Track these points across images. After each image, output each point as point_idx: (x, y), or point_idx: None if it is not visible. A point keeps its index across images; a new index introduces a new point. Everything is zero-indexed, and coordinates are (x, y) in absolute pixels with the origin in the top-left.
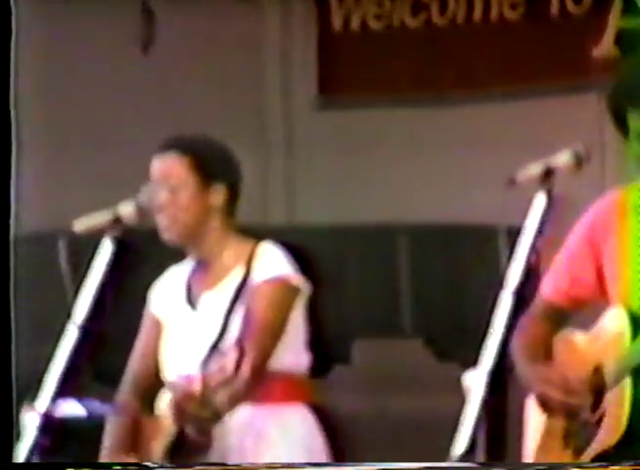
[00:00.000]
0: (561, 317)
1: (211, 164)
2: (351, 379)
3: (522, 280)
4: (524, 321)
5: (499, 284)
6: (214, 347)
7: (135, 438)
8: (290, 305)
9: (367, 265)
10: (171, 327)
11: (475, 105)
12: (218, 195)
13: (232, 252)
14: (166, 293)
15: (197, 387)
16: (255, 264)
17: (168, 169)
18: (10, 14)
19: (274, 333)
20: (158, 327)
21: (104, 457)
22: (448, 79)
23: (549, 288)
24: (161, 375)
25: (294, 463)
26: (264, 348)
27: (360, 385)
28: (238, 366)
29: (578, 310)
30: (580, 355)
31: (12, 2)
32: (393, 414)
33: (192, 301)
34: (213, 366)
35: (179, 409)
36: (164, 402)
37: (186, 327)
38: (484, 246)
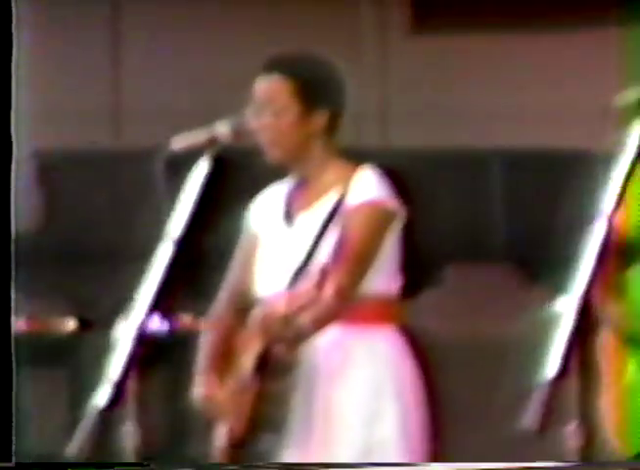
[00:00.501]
0: (634, 253)
1: (316, 89)
2: (443, 303)
3: (615, 207)
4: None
5: (593, 210)
6: (303, 267)
7: (228, 353)
8: (384, 228)
9: (460, 190)
10: (267, 243)
11: (570, 31)
12: (321, 120)
13: (331, 174)
14: (265, 209)
15: (281, 306)
16: (352, 187)
17: (272, 93)
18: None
19: (366, 256)
20: (254, 241)
21: (196, 373)
22: (537, 6)
23: (620, 224)
24: (256, 289)
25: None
26: (354, 271)
27: (451, 309)
28: (322, 289)
29: None
30: None
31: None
32: (483, 338)
33: (289, 219)
34: (300, 287)
35: (264, 327)
36: (253, 318)
37: (280, 245)
38: (579, 172)
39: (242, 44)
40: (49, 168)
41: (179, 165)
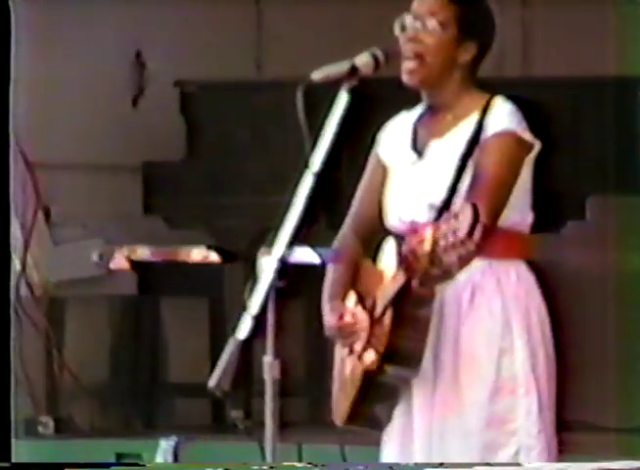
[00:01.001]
0: None
1: (473, 21)
2: (585, 235)
3: None
4: None
5: None
6: (446, 202)
7: (356, 282)
8: (520, 160)
9: (604, 120)
10: (396, 172)
11: None
12: (468, 53)
13: (466, 103)
14: (394, 137)
15: (428, 245)
16: (487, 117)
17: (434, 8)
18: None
19: (504, 190)
20: (383, 170)
21: (325, 301)
22: None
23: None
24: (385, 220)
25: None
26: (495, 206)
27: (594, 242)
28: (472, 230)
29: None
30: None
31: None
32: (627, 272)
33: (418, 148)
34: (446, 225)
35: (409, 264)
36: (389, 252)
37: (411, 174)
38: None
39: None
40: (191, 98)
41: (320, 97)
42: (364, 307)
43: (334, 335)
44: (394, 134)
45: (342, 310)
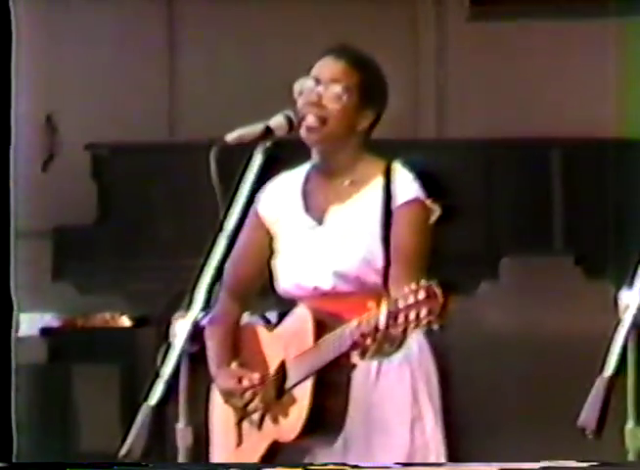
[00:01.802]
0: None
1: (372, 89)
2: (499, 296)
3: None
4: None
5: None
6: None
7: (243, 346)
8: (429, 226)
9: (519, 180)
10: (289, 237)
11: (630, 16)
12: (367, 120)
13: (364, 169)
14: (278, 199)
15: (383, 322)
16: (393, 185)
17: (338, 75)
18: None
19: (424, 260)
20: (266, 232)
21: (210, 369)
22: None
23: None
24: (275, 284)
25: (310, 463)
26: (419, 277)
27: (508, 302)
28: (442, 309)
29: None
30: None
31: None
32: (542, 333)
33: (314, 213)
34: (404, 301)
35: (361, 344)
36: (298, 320)
37: (310, 240)
38: None
39: (295, 36)
40: (103, 162)
41: (233, 159)
42: (263, 374)
43: (232, 400)
44: (278, 196)
45: (240, 375)
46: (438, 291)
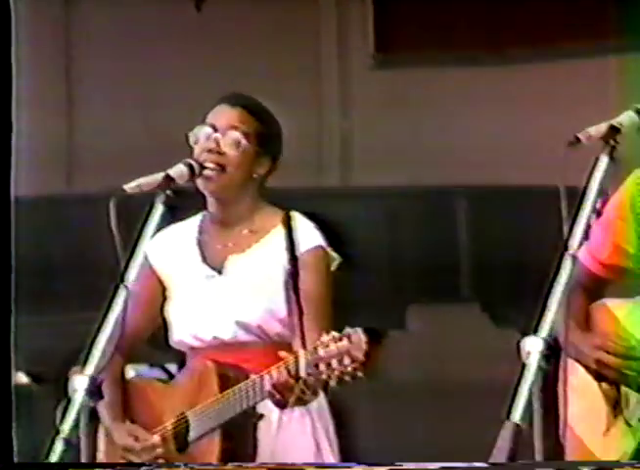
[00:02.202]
0: (599, 286)
1: (269, 137)
2: (406, 345)
3: (583, 243)
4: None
5: (559, 247)
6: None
7: (129, 399)
8: (331, 273)
9: (424, 229)
10: (184, 287)
11: (533, 63)
12: (264, 167)
13: (262, 218)
14: (170, 250)
15: (303, 372)
16: (295, 233)
17: (234, 122)
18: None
19: (330, 307)
20: (158, 284)
21: (104, 422)
22: (508, 37)
23: (587, 257)
24: (169, 335)
25: (294, 463)
26: (328, 323)
27: (415, 351)
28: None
29: (618, 280)
30: (619, 323)
31: None
32: (449, 380)
33: (212, 263)
34: (326, 355)
35: (279, 393)
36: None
37: (209, 290)
38: (545, 208)
39: (197, 82)
40: None
41: (134, 209)
42: (162, 432)
43: (130, 457)
44: (170, 246)
45: (137, 434)
46: (363, 338)
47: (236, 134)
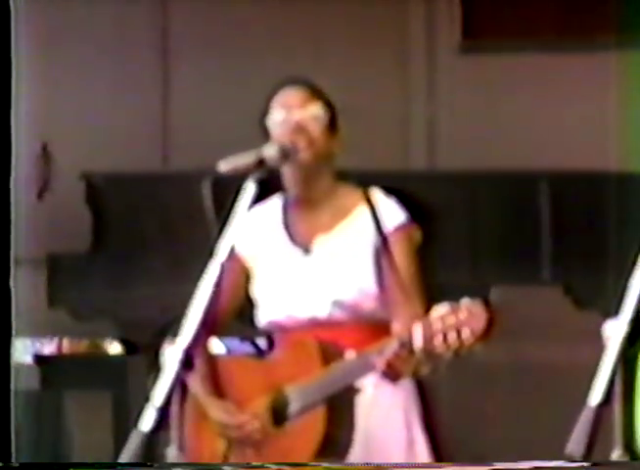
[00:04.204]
0: None
1: (334, 115)
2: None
3: None
4: None
5: None
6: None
7: (222, 376)
8: (417, 249)
9: (507, 211)
10: (273, 269)
11: (620, 50)
12: (338, 143)
13: (343, 197)
14: (258, 234)
15: (419, 343)
16: (379, 212)
17: (307, 99)
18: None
19: (420, 284)
20: (244, 268)
21: (199, 397)
22: (593, 24)
23: None
24: (258, 315)
25: (307, 463)
26: (423, 301)
27: (497, 333)
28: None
29: None
30: None
31: None
32: (531, 362)
33: (299, 243)
34: (442, 328)
35: (394, 364)
36: (301, 349)
37: (300, 270)
38: (627, 193)
39: (286, 68)
40: (97, 191)
41: (227, 188)
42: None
43: (226, 432)
44: (255, 230)
45: (233, 411)
46: (482, 310)
47: (314, 109)
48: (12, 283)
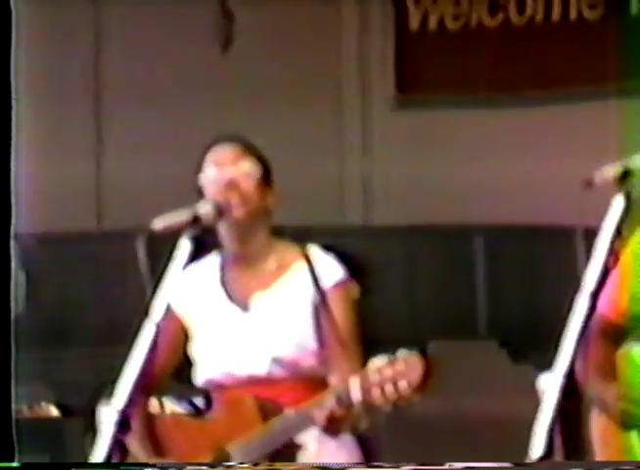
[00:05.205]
0: (620, 334)
1: (267, 170)
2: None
3: (599, 283)
4: (586, 339)
5: (576, 286)
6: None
7: (156, 437)
8: (356, 305)
9: (443, 266)
10: (210, 327)
11: (550, 105)
12: (272, 198)
13: (280, 253)
14: (195, 291)
15: (358, 396)
16: (317, 268)
17: (240, 155)
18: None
19: (359, 339)
20: (181, 326)
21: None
22: (525, 80)
23: (604, 304)
24: (195, 375)
25: (295, 462)
26: (360, 356)
27: (435, 385)
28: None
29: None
30: None
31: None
32: (468, 416)
33: (236, 300)
34: (379, 380)
35: (332, 419)
36: (239, 401)
37: (237, 328)
38: (561, 247)
39: (220, 124)
40: (29, 251)
41: (161, 246)
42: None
43: None
44: (192, 287)
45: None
46: (419, 361)
47: (247, 165)
48: None
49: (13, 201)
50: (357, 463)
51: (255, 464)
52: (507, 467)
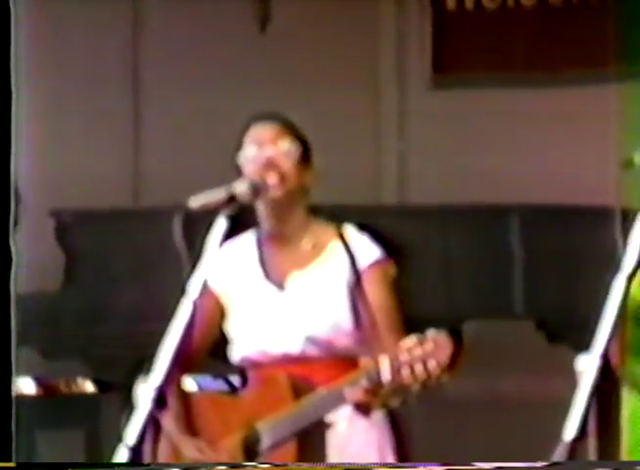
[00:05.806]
0: None
1: (306, 149)
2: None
3: (637, 264)
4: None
5: (614, 267)
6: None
7: (190, 414)
8: (393, 284)
9: (479, 246)
10: (247, 305)
11: (588, 85)
12: (311, 177)
13: (316, 232)
14: (231, 269)
15: (388, 378)
16: (354, 248)
17: (278, 134)
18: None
19: (397, 319)
20: (218, 304)
21: (172, 436)
22: (562, 58)
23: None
24: (231, 351)
25: (301, 464)
26: (399, 336)
27: (470, 367)
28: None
29: None
30: None
31: None
32: (504, 396)
33: (273, 279)
34: (409, 360)
35: (364, 398)
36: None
37: (273, 306)
38: (599, 228)
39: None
40: (67, 228)
41: (198, 224)
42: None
43: None
44: (230, 266)
45: (205, 448)
46: (448, 341)
47: (286, 144)
48: None
49: (11, 197)
50: (376, 463)
51: (276, 465)
52: (538, 467)
